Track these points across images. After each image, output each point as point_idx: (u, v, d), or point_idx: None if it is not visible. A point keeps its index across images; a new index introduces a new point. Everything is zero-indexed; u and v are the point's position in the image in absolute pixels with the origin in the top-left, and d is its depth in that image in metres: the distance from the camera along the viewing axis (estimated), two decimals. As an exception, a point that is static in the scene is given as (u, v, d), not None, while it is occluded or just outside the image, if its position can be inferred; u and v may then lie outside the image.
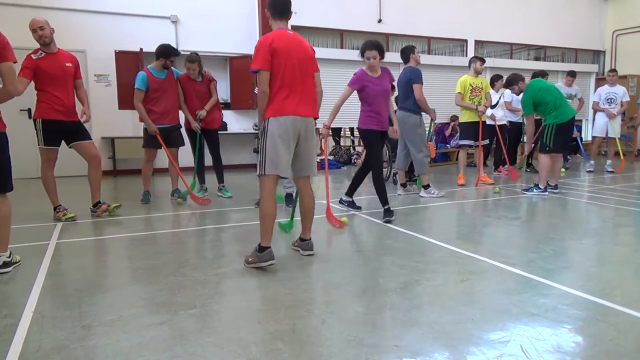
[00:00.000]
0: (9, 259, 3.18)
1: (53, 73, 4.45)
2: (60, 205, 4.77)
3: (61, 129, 4.59)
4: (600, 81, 12.55)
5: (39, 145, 4.56)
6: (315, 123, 3.43)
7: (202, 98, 5.74)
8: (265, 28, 7.80)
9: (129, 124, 8.31)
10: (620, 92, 8.29)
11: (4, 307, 2.61)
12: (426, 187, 6.02)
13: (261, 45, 3.14)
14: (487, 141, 7.31)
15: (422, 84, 5.75)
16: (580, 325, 2.35)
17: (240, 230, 4.37)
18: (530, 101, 5.93)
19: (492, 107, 7.75)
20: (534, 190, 6.08)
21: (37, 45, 4.43)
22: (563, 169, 8.64)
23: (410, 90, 5.77)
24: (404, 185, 6.31)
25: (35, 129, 4.53)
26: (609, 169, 8.32)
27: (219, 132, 6.10)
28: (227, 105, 9.25)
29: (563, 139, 5.91)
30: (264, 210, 3.19)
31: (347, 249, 3.74)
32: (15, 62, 3.01)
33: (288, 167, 3.25)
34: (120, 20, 8.36)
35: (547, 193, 5.97)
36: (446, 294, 2.79)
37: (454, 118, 10.15)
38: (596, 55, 13.13)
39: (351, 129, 13.69)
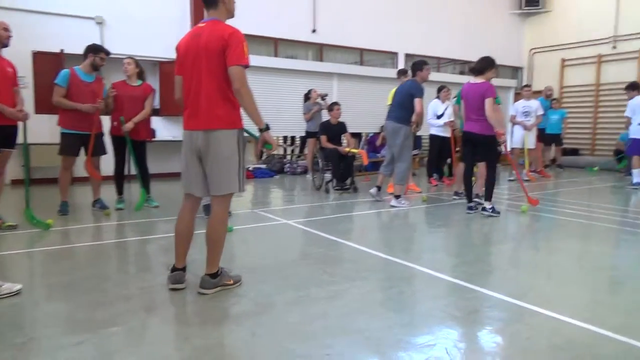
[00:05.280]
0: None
1: None
2: None
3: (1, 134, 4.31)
4: (518, 95, 13.46)
5: None
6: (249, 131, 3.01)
7: (136, 103, 5.49)
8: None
9: (46, 129, 7.76)
10: (534, 105, 8.93)
11: None
12: (398, 197, 6.08)
13: None
14: (416, 151, 7.55)
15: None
16: (500, 326, 2.47)
17: (168, 241, 4.19)
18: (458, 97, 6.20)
19: (439, 117, 8.05)
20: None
21: None
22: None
23: (407, 102, 5.91)
24: (379, 188, 6.38)
25: None
26: (525, 178, 8.90)
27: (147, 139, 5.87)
28: (156, 112, 8.94)
29: (465, 149, 5.87)
30: (174, 228, 2.99)
31: (279, 259, 3.71)
32: None
33: (192, 185, 2.89)
34: (39, 19, 7.82)
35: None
36: (376, 300, 2.84)
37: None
38: (515, 71, 14.07)
39: (285, 137, 13.68)
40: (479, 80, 5.53)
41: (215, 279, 2.90)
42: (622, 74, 11.40)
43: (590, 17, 12.16)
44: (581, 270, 3.56)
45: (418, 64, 6.13)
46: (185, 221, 2.96)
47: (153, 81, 8.79)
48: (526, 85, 9.38)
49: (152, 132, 8.62)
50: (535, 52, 13.69)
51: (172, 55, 8.31)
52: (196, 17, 8.78)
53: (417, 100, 5.81)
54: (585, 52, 12.32)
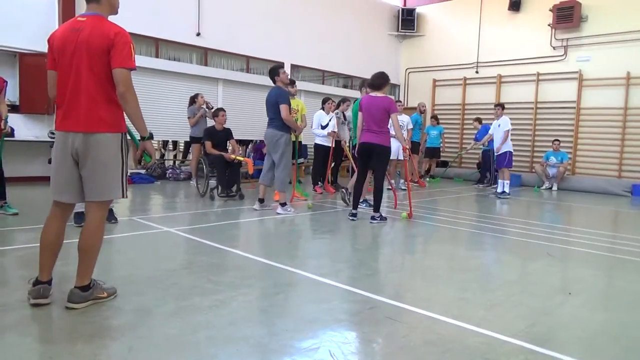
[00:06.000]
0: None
1: None
2: None
3: None
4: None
5: None
6: (133, 136, 2.88)
7: None
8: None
9: None
10: (406, 120, 9.65)
11: None
12: (283, 204, 6.05)
13: None
14: (302, 159, 7.68)
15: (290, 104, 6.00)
16: (380, 327, 2.59)
17: (28, 252, 3.73)
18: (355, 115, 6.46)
19: (323, 127, 8.23)
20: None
21: None
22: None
23: (278, 110, 5.89)
24: (261, 201, 6.24)
25: None
26: (403, 187, 9.54)
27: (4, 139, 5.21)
28: (15, 108, 7.98)
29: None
30: (40, 237, 2.70)
31: (159, 268, 3.51)
32: None
33: (63, 191, 2.67)
34: None
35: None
36: (261, 307, 2.82)
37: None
38: (393, 88, 15.05)
39: (166, 142, 13.10)
40: (378, 94, 5.82)
41: (87, 292, 2.65)
42: (484, 95, 12.88)
43: (457, 44, 13.51)
44: (450, 271, 3.89)
45: (274, 70, 6.17)
46: (54, 230, 2.69)
47: (11, 74, 7.87)
48: (398, 101, 10.10)
49: (11, 131, 7.70)
50: (410, 72, 14.80)
51: (36, 47, 7.58)
52: (64, 5, 8.05)
53: (282, 107, 5.91)
54: (453, 75, 13.62)
